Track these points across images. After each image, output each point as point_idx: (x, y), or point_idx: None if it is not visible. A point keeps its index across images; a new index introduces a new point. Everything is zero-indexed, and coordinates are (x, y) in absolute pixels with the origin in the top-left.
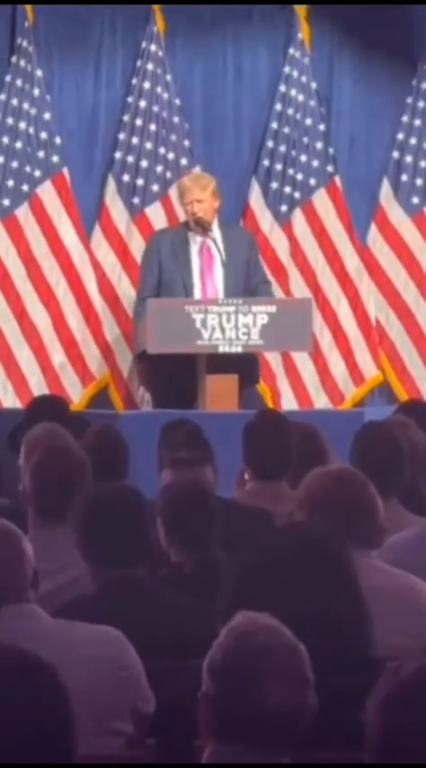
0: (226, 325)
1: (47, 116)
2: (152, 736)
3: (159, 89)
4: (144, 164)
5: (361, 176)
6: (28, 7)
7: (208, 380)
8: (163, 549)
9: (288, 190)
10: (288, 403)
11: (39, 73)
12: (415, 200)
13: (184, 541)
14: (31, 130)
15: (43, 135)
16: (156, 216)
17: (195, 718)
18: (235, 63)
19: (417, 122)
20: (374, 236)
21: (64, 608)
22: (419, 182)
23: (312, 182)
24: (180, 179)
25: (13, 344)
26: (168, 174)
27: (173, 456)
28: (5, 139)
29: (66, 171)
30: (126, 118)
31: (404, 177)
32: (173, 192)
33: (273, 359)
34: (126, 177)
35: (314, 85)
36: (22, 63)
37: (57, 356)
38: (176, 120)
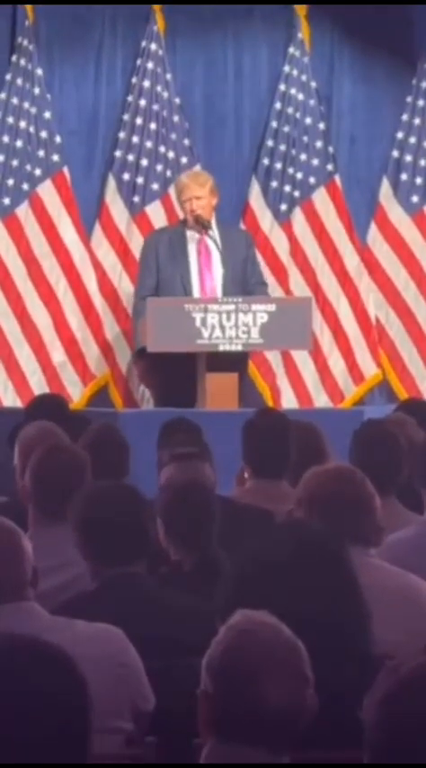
0: (225, 324)
1: (47, 115)
2: (151, 735)
3: (159, 88)
4: (144, 162)
5: (361, 175)
6: (28, 6)
7: (207, 379)
8: (162, 547)
9: (287, 189)
10: (288, 401)
11: (39, 72)
12: (415, 198)
13: (184, 540)
14: (32, 129)
15: (43, 134)
16: (157, 214)
17: (195, 717)
18: (235, 62)
19: (417, 121)
20: (374, 234)
21: (63, 606)
22: (419, 180)
23: (312, 180)
24: (178, 177)
25: (13, 343)
26: (168, 173)
27: (173, 452)
28: (6, 138)
29: (66, 170)
30: (126, 117)
31: (404, 176)
32: (173, 191)
33: (273, 357)
34: (126, 176)
35: (313, 84)
36: (23, 62)
37: (58, 355)
38: (176, 118)
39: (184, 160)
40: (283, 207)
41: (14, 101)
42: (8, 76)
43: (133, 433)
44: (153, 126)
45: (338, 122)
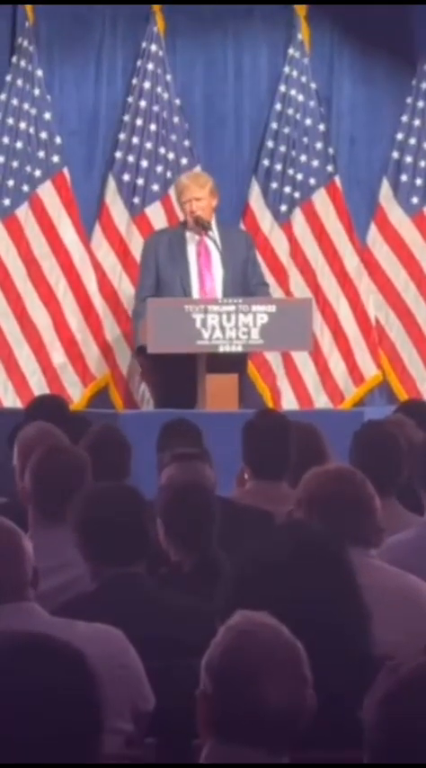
0: (226, 325)
1: (47, 116)
2: (151, 735)
3: (159, 89)
4: (144, 163)
5: (361, 176)
6: (28, 7)
7: (208, 380)
8: (162, 547)
9: (287, 190)
10: (289, 402)
11: (39, 73)
12: (415, 200)
13: (183, 540)
14: (32, 130)
15: (43, 135)
16: (157, 216)
17: (194, 717)
18: (235, 63)
19: (416, 122)
20: (374, 236)
21: (63, 606)
22: (418, 182)
23: (312, 182)
24: (178, 178)
25: (13, 344)
26: (168, 174)
27: (174, 452)
28: (6, 139)
29: (66, 171)
30: (126, 118)
31: (404, 177)
32: (173, 192)
33: (273, 358)
34: (126, 177)
35: (313, 86)
36: (23, 63)
37: (58, 356)
38: (176, 119)
39: (184, 161)
40: (283, 208)
41: (14, 102)
42: (8, 77)
43: (133, 434)
44: (153, 127)
45: (338, 123)
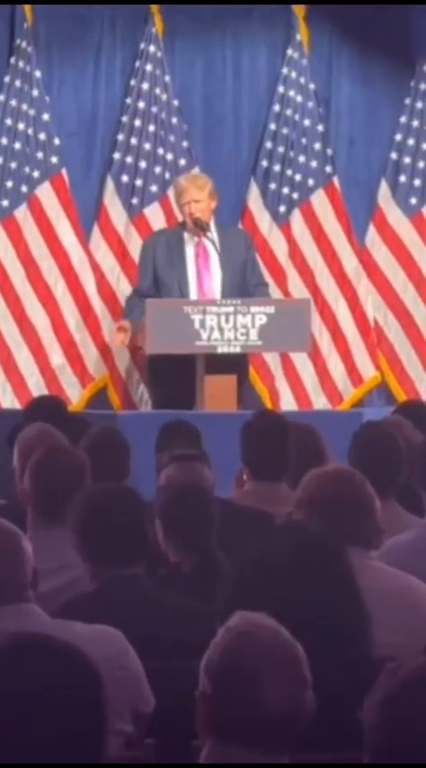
0: (224, 326)
1: (46, 117)
2: (151, 736)
3: (158, 90)
4: (142, 164)
5: (360, 177)
6: (27, 9)
7: (206, 381)
8: (161, 548)
9: (286, 191)
10: (287, 403)
11: (38, 74)
12: (413, 200)
13: (183, 541)
14: (30, 131)
15: (42, 136)
16: (155, 216)
17: (194, 718)
18: (233, 64)
19: (415, 123)
20: (372, 236)
21: (63, 607)
22: (417, 182)
23: (310, 182)
24: (177, 180)
25: (11, 345)
26: (167, 175)
27: (173, 453)
28: (4, 140)
29: (64, 172)
30: (125, 119)
31: (403, 178)
32: (171, 193)
33: (272, 359)
34: (125, 178)
35: (312, 86)
36: (21, 64)
37: (56, 357)
38: (175, 120)
39: (183, 162)
40: (282, 209)
41: (13, 103)
42: (7, 78)
43: (132, 435)
44: (151, 128)
45: (336, 124)
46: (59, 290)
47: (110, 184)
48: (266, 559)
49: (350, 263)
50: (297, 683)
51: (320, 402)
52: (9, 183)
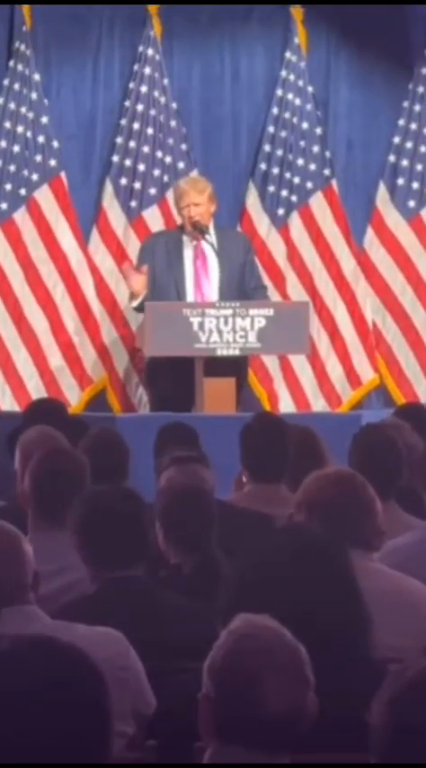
0: (223, 329)
1: (44, 120)
2: (152, 738)
3: (156, 93)
4: (141, 167)
5: (358, 180)
6: (25, 10)
7: (205, 383)
8: (161, 550)
9: (285, 193)
10: (286, 406)
11: (36, 77)
12: (412, 203)
13: (183, 543)
14: (29, 134)
15: (41, 139)
16: (154, 219)
17: (195, 720)
18: (231, 67)
19: (413, 126)
20: (370, 239)
21: (63, 609)
22: (415, 185)
23: (309, 185)
24: (176, 183)
25: (10, 347)
26: (165, 178)
27: (173, 455)
28: (3, 143)
29: (63, 175)
30: (123, 122)
31: (401, 181)
32: (170, 196)
33: (270, 362)
34: (123, 181)
35: (310, 89)
36: (20, 67)
37: (55, 359)
38: (173, 123)
39: (181, 165)
40: (280, 211)
41: (12, 106)
42: (5, 81)
43: (131, 437)
44: (150, 131)
45: (335, 127)
46: (58, 293)
47: (108, 187)
48: (268, 561)
49: (348, 265)
50: (299, 685)
51: (318, 404)
52: (8, 186)
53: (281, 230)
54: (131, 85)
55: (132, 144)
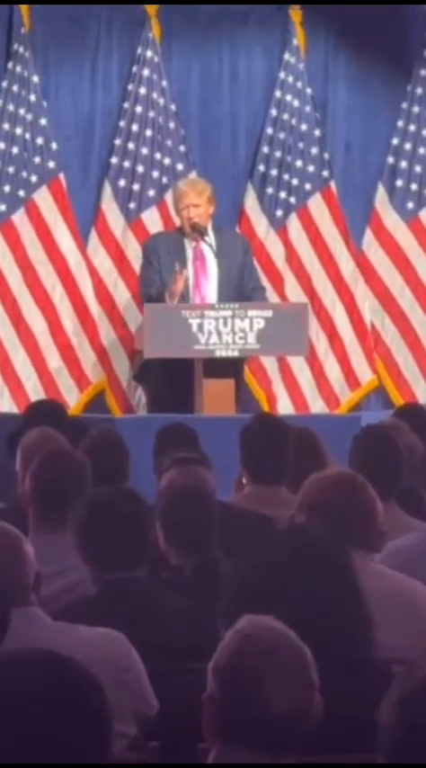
0: (222, 330)
1: (43, 122)
2: (155, 739)
3: (155, 94)
4: (140, 169)
5: (357, 181)
6: (24, 11)
7: (204, 385)
8: (162, 551)
9: (283, 195)
10: (285, 407)
11: (35, 79)
12: (410, 205)
13: (184, 544)
14: (28, 136)
15: (39, 140)
16: (152, 221)
17: (198, 721)
18: (230, 68)
19: (412, 128)
20: (369, 240)
21: (65, 611)
22: (414, 187)
23: (307, 187)
24: (175, 184)
25: (9, 349)
26: (164, 180)
27: (174, 456)
28: (2, 145)
29: (62, 176)
30: (122, 123)
31: (399, 182)
32: (169, 198)
33: (269, 363)
34: (122, 182)
35: (309, 91)
36: (19, 69)
37: (54, 361)
38: (172, 125)
39: (180, 167)
40: (279, 213)
41: (10, 107)
42: (4, 83)
43: (130, 439)
44: (149, 133)
45: (333, 129)
46: (57, 295)
47: (107, 189)
48: (268, 562)
49: (347, 267)
50: (304, 686)
51: (317, 406)
52: (6, 188)
53: (280, 232)
54: (130, 87)
55: (131, 145)
